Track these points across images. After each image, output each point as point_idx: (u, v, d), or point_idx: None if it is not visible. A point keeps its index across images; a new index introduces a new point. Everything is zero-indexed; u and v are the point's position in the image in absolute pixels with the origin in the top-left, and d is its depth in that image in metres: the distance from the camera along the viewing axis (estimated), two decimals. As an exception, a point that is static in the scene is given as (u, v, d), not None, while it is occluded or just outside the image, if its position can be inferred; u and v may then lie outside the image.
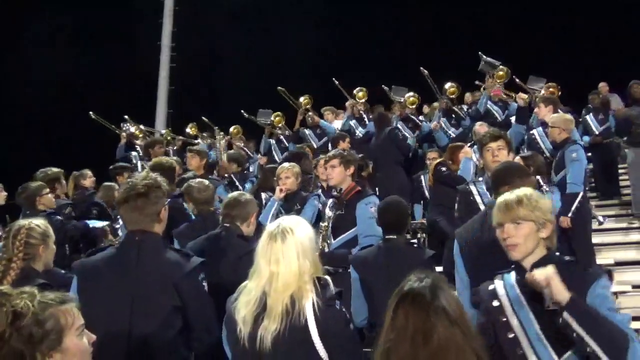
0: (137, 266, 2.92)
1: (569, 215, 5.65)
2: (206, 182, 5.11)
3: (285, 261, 2.52)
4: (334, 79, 10.69)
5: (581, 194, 5.91)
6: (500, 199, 2.70)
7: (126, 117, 10.94)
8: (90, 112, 11.04)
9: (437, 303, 1.84)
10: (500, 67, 9.17)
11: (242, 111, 11.31)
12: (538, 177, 5.26)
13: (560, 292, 2.32)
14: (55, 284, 3.07)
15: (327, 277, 2.64)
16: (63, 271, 3.97)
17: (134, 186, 2.97)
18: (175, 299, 2.87)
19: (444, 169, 6.70)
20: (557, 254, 2.69)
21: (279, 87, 10.87)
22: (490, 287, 2.67)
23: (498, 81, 9.09)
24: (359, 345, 2.81)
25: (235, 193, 4.33)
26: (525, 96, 8.11)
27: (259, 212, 4.96)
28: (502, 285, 2.65)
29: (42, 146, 13.78)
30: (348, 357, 2.58)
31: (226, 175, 8.06)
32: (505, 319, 2.54)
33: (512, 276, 2.65)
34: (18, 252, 3.37)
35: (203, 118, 11.63)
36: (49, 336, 1.73)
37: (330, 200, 5.08)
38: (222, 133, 10.13)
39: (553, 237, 2.66)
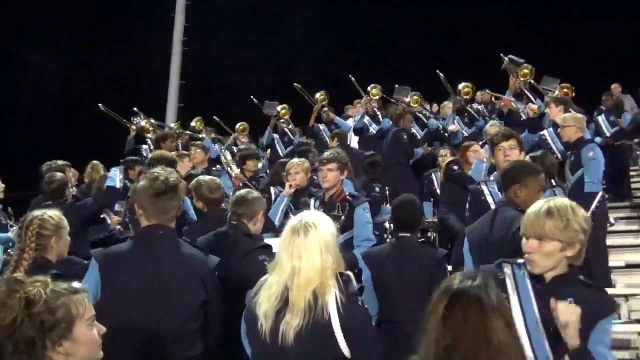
0: (164, 260, 2.96)
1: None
2: (217, 180, 5.07)
3: (308, 256, 2.50)
4: (350, 76, 10.63)
5: (600, 193, 5.87)
6: (532, 208, 2.57)
7: (135, 109, 10.97)
8: (100, 104, 11.06)
9: (492, 303, 1.80)
10: (525, 64, 9.08)
11: (251, 97, 11.28)
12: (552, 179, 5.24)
13: (573, 338, 2.34)
14: (70, 274, 3.10)
15: (349, 273, 2.62)
16: (84, 261, 3.98)
17: (166, 180, 2.99)
18: (203, 293, 2.93)
19: (455, 167, 6.68)
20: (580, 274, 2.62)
21: (296, 84, 10.84)
22: (500, 276, 2.59)
23: (522, 79, 8.98)
24: (379, 342, 2.82)
25: (243, 191, 4.32)
26: (535, 107, 8.10)
27: (268, 207, 4.96)
28: (511, 268, 2.60)
29: (51, 139, 13.82)
30: (369, 353, 2.57)
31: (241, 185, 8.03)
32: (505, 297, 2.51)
33: (526, 277, 2.58)
34: (30, 243, 3.38)
35: (215, 117, 11.61)
36: (60, 324, 1.74)
37: (313, 200, 5.13)
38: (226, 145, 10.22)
39: (580, 256, 2.54)
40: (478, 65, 11.09)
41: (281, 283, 2.54)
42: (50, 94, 15.05)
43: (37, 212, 3.52)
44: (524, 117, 8.51)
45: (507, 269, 2.62)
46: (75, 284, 1.87)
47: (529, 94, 8.93)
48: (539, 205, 2.55)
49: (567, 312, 2.33)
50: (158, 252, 2.97)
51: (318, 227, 2.57)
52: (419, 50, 15.31)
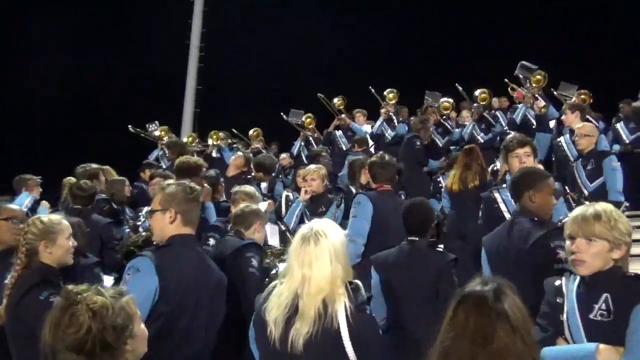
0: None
1: None
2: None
3: (319, 264, 2.53)
4: (370, 87, 10.58)
5: (625, 203, 5.83)
6: (578, 211, 2.64)
7: (157, 122, 11.12)
8: (129, 126, 11.17)
9: (499, 307, 1.82)
10: (538, 71, 9.00)
11: (281, 113, 11.30)
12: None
13: None
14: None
15: (358, 282, 2.65)
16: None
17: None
18: None
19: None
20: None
21: (319, 94, 10.84)
22: (557, 282, 2.66)
23: (535, 86, 8.91)
24: (388, 351, 2.82)
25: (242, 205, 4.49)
26: (542, 104, 8.08)
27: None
28: (567, 285, 2.62)
29: (64, 146, 13.91)
30: None
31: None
32: (562, 319, 2.55)
33: (575, 281, 2.62)
34: (21, 247, 3.30)
35: (233, 130, 11.60)
36: (127, 325, 1.89)
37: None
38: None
39: (626, 259, 2.60)
40: (495, 72, 11.01)
41: (291, 291, 2.57)
42: (74, 98, 15.09)
43: (35, 217, 3.46)
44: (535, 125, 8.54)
45: (564, 277, 2.67)
46: (120, 288, 2.02)
47: (542, 101, 8.90)
48: (584, 208, 2.63)
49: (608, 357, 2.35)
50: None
51: (328, 236, 2.58)
52: (432, 58, 15.24)
